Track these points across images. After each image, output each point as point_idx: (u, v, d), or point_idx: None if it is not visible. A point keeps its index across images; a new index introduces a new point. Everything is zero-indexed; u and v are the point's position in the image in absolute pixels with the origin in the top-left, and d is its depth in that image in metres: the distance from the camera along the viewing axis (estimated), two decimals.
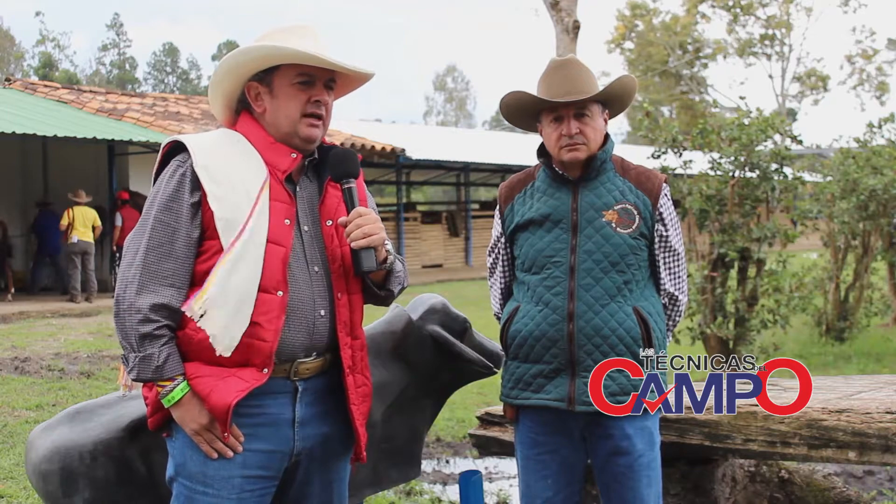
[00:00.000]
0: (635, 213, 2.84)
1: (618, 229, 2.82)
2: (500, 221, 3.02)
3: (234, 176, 2.28)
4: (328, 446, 2.40)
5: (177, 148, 2.34)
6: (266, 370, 2.23)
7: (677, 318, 3.00)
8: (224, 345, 2.21)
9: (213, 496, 2.25)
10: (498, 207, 3.05)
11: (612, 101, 2.94)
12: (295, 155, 2.36)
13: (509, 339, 2.91)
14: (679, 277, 2.94)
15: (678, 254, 2.93)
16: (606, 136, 2.91)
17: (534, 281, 2.87)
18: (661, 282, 2.91)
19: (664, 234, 2.88)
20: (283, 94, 2.34)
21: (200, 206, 2.27)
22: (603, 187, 2.87)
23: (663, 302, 2.94)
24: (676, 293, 2.94)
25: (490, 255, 3.10)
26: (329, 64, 2.33)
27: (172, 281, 2.24)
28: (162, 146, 2.37)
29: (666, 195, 2.89)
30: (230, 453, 2.24)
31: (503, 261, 3.04)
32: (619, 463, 2.81)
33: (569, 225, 2.85)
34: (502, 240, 3.02)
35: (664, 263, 2.90)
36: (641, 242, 2.84)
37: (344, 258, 2.39)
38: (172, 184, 2.29)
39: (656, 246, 2.88)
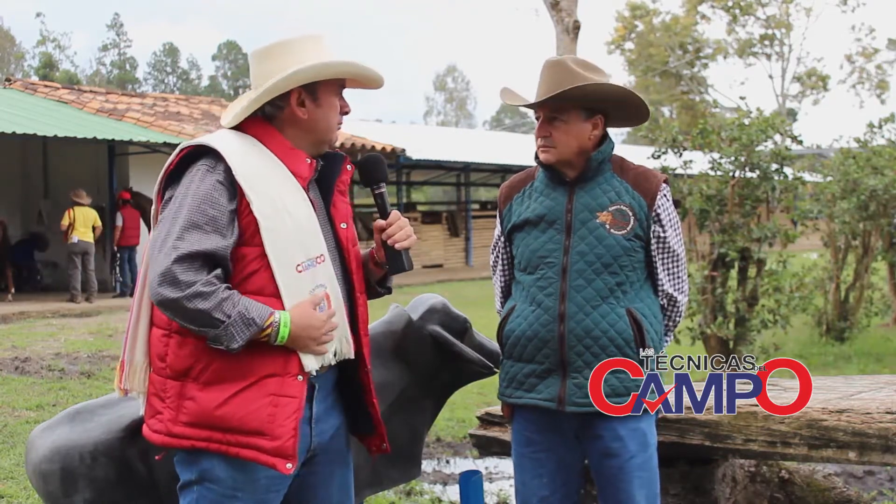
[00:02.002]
0: (630, 214, 2.82)
1: (611, 231, 2.81)
2: (499, 221, 3.04)
3: (270, 185, 2.28)
4: (335, 438, 2.45)
5: (200, 152, 2.30)
6: (301, 377, 2.27)
7: (677, 319, 2.99)
8: (310, 365, 2.30)
9: (241, 499, 2.27)
10: (498, 207, 3.06)
11: (610, 106, 2.88)
12: (310, 161, 2.39)
13: (504, 339, 2.94)
14: (678, 278, 2.93)
15: (677, 254, 2.91)
16: (603, 138, 2.89)
17: (528, 281, 2.88)
18: (659, 282, 2.90)
19: (662, 235, 2.86)
20: (328, 104, 2.39)
21: (237, 214, 2.25)
22: (599, 188, 2.86)
23: (662, 303, 2.92)
24: (675, 294, 2.92)
25: (492, 254, 3.12)
26: (380, 82, 2.47)
27: (217, 261, 2.20)
28: (179, 148, 2.33)
29: (665, 196, 2.87)
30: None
31: (503, 260, 3.06)
32: (610, 464, 2.81)
33: (563, 226, 2.85)
34: (502, 239, 3.03)
35: (662, 264, 2.88)
36: (636, 244, 2.83)
37: (358, 260, 2.45)
38: (205, 186, 2.23)
39: (653, 247, 2.86)
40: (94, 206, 14.68)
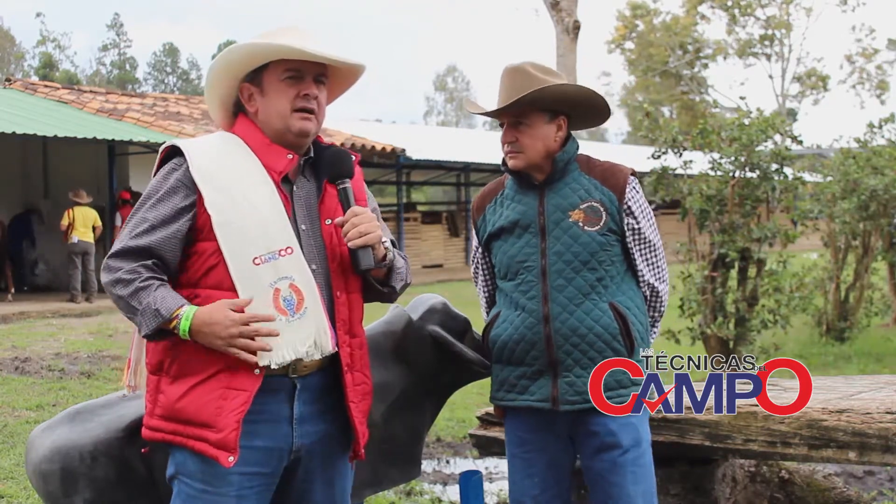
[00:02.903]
0: (601, 209, 2.85)
1: (585, 228, 2.83)
2: (475, 232, 3.08)
3: (233, 181, 2.31)
4: (328, 444, 2.42)
5: (174, 152, 2.37)
6: (258, 371, 2.25)
7: (662, 309, 3.00)
8: (262, 361, 2.26)
9: (213, 493, 2.27)
10: (472, 219, 3.10)
11: (571, 107, 2.90)
12: (291, 156, 2.39)
13: (490, 344, 2.96)
14: (658, 267, 2.95)
15: (654, 244, 2.93)
16: (567, 138, 2.92)
17: (509, 287, 2.92)
18: (640, 274, 2.92)
19: (636, 226, 2.88)
20: (273, 91, 2.37)
21: (193, 210, 2.29)
22: (568, 188, 2.88)
23: (645, 293, 2.94)
24: (656, 283, 2.94)
25: (472, 265, 3.17)
26: (311, 55, 2.34)
27: (153, 252, 2.26)
28: (160, 150, 2.40)
29: (634, 188, 2.89)
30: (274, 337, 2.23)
31: (483, 271, 3.12)
32: (604, 459, 2.82)
33: (537, 229, 2.87)
34: (479, 250, 3.09)
35: (640, 255, 2.91)
36: (611, 238, 2.85)
37: (343, 257, 2.41)
38: (165, 186, 2.31)
39: (629, 239, 2.88)
40: (94, 206, 14.69)
